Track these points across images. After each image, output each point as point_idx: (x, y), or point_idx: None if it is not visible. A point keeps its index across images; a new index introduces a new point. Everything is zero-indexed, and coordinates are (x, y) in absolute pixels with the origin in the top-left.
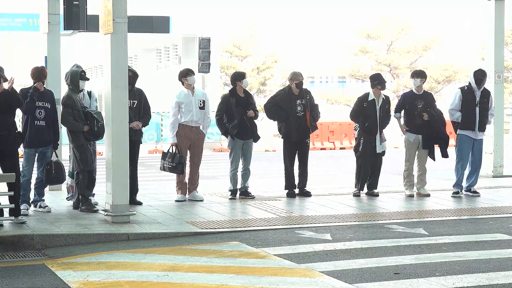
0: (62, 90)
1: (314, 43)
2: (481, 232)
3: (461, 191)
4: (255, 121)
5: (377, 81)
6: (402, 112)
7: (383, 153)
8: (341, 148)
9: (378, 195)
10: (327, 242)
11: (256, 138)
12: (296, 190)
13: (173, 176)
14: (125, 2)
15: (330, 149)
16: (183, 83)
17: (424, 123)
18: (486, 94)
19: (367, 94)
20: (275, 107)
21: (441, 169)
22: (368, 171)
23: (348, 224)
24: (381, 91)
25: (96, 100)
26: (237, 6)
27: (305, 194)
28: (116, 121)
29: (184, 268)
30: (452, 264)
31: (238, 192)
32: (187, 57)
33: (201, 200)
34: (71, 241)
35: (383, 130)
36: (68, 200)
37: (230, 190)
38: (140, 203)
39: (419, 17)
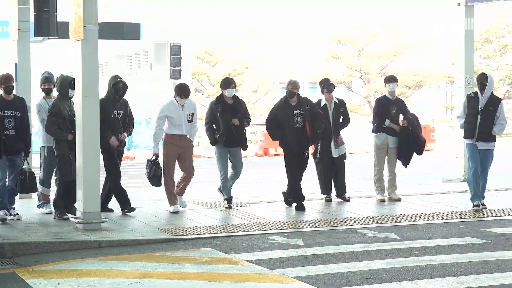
0: (33, 96)
1: (286, 49)
2: (452, 236)
3: (481, 203)
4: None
5: (322, 85)
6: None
7: (344, 156)
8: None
9: (349, 200)
10: (299, 248)
11: (244, 146)
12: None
13: (144, 182)
14: (95, 8)
15: None
16: (175, 96)
17: (402, 129)
18: (493, 102)
19: (319, 100)
20: (274, 127)
21: (413, 174)
22: (329, 175)
23: (320, 229)
24: (332, 95)
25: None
26: (208, 13)
27: (300, 208)
28: (87, 128)
29: (156, 275)
30: (424, 268)
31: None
32: (158, 64)
33: (177, 212)
34: (42, 249)
35: (340, 134)
36: (39, 207)
37: (224, 199)
38: (111, 210)
39: (390, 23)
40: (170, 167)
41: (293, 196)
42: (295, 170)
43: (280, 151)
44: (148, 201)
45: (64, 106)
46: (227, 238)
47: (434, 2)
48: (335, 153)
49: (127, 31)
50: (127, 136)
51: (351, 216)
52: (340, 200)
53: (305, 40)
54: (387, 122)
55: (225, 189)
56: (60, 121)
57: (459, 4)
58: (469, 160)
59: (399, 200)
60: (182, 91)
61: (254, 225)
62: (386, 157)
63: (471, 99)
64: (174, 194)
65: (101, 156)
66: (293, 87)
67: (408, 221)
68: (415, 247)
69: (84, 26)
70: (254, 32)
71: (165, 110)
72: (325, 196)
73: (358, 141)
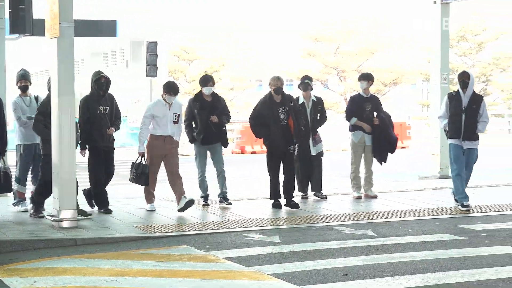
0: (8, 94)
1: (263, 46)
2: (427, 232)
3: (465, 202)
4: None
5: (299, 83)
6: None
7: (321, 154)
8: None
9: (326, 198)
10: (276, 245)
11: (225, 143)
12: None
13: (121, 179)
14: (71, 6)
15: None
16: (164, 95)
17: (374, 126)
18: (476, 100)
19: (297, 98)
20: (258, 124)
21: (389, 171)
22: (306, 173)
23: (297, 226)
24: (310, 93)
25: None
26: (185, 10)
27: (293, 206)
28: (63, 126)
29: (132, 273)
30: (400, 264)
31: (216, 197)
32: (134, 61)
33: (153, 210)
34: (17, 247)
35: (318, 132)
36: (15, 206)
37: (201, 197)
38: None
39: (367, 20)
40: (154, 169)
41: (272, 193)
42: (276, 170)
43: (257, 148)
44: (124, 198)
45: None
46: (204, 236)
47: (411, 0)
48: (313, 151)
49: (103, 28)
50: (115, 131)
51: (328, 213)
52: (316, 196)
53: (281, 37)
54: (353, 120)
55: (202, 187)
56: (48, 120)
57: (435, 2)
58: (453, 162)
59: (375, 197)
60: (171, 89)
61: (230, 222)
62: (363, 155)
63: (453, 98)
64: (152, 193)
65: (87, 154)
66: (281, 83)
67: (384, 218)
68: (391, 243)
69: (59, 24)
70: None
71: (152, 109)
72: (301, 193)
73: (334, 139)
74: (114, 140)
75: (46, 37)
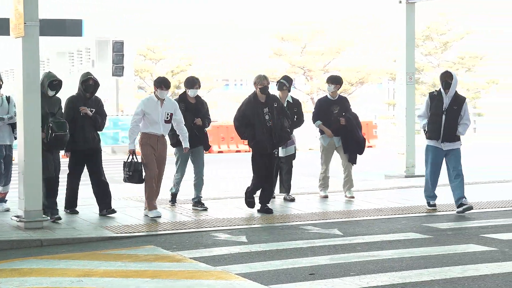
0: None
1: (230, 46)
2: (394, 231)
3: (432, 201)
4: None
5: (276, 83)
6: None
7: (293, 156)
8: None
9: (294, 200)
10: (242, 244)
11: (207, 146)
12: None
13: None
14: (36, 5)
15: (237, 151)
16: (155, 91)
17: (341, 127)
18: (458, 101)
19: None
20: (243, 125)
21: (355, 170)
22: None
23: (264, 226)
24: (287, 93)
25: (15, 105)
26: (152, 9)
27: (266, 211)
28: (28, 126)
29: (98, 273)
30: (366, 263)
31: (188, 201)
32: (100, 61)
33: (158, 217)
34: None
35: (293, 133)
36: None
37: (172, 194)
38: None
39: (334, 20)
40: (151, 169)
41: (252, 190)
42: (262, 171)
43: (224, 148)
44: (91, 199)
45: (42, 104)
46: (171, 236)
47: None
48: (281, 152)
49: (68, 27)
50: (99, 131)
51: (295, 212)
52: (284, 199)
53: (250, 36)
54: (318, 123)
55: (176, 186)
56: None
57: (400, 2)
58: (428, 163)
59: (353, 197)
60: (162, 82)
61: (197, 222)
62: (339, 157)
63: (435, 98)
64: (153, 201)
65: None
66: (267, 82)
67: (351, 217)
68: (358, 242)
69: (24, 23)
70: (199, 27)
71: (143, 105)
72: None
73: (301, 138)
74: (99, 141)
75: (11, 37)
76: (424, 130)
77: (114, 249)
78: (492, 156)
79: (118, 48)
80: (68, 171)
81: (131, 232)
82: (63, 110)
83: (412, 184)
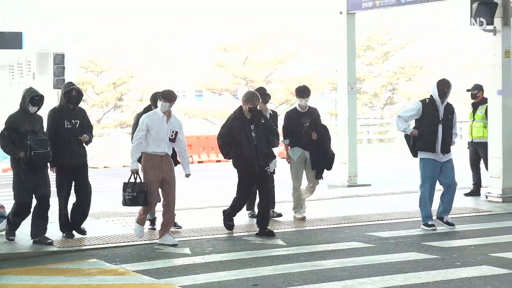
0: None
1: (172, 58)
2: (337, 241)
3: (430, 222)
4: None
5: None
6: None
7: (273, 171)
8: (217, 161)
9: (281, 215)
10: (186, 256)
11: (176, 162)
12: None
13: None
14: None
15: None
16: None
17: (311, 140)
18: (450, 110)
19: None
20: (226, 144)
21: None
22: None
23: (207, 237)
24: (266, 106)
25: None
26: (92, 21)
27: (268, 234)
28: None
29: None
30: (309, 273)
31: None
32: (41, 73)
33: (175, 245)
34: None
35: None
36: None
37: (149, 220)
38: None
39: (276, 30)
40: (154, 195)
41: (231, 211)
42: (248, 192)
43: (204, 157)
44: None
45: (23, 120)
46: (114, 249)
47: (318, 10)
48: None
49: (8, 40)
50: (88, 139)
51: (237, 223)
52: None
53: (193, 45)
54: (286, 141)
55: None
56: (15, 136)
57: (341, 12)
58: (429, 179)
59: (304, 219)
60: (166, 95)
61: None
62: (304, 172)
63: (429, 107)
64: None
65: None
66: (258, 102)
67: (293, 227)
68: (301, 252)
69: None
70: (141, 37)
71: (148, 120)
72: (249, 211)
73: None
74: (85, 156)
75: None
76: (406, 135)
77: (56, 263)
78: None
79: (59, 61)
80: (57, 193)
81: (73, 246)
82: (45, 123)
83: (354, 193)
